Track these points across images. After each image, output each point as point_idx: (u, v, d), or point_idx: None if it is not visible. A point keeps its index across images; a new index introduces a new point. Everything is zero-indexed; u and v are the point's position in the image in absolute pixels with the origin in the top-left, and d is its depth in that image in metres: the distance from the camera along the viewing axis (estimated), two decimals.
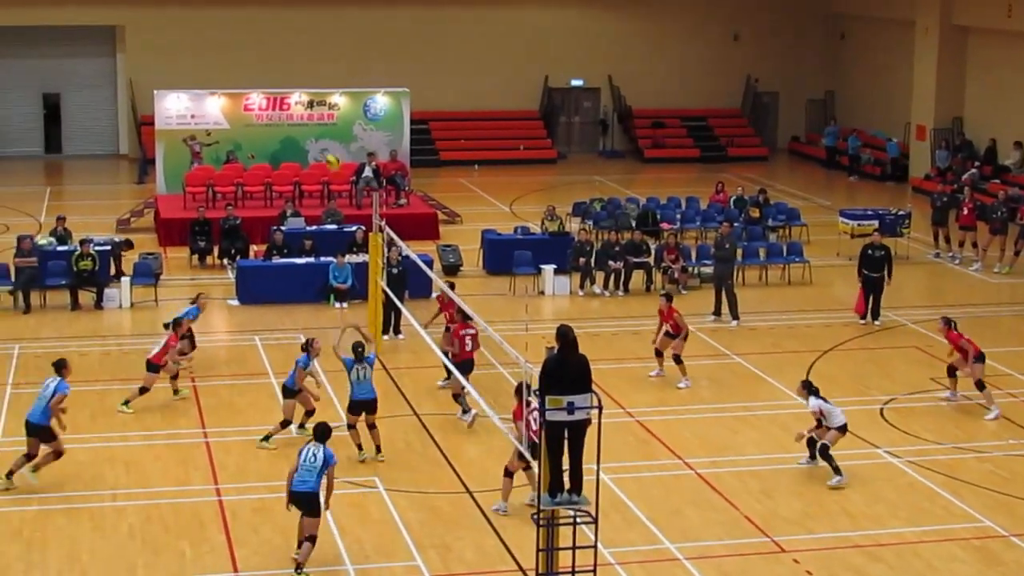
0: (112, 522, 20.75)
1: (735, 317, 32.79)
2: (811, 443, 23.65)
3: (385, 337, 30.38)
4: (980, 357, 26.72)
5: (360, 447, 23.48)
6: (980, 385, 26.63)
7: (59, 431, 22.42)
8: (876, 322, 32.83)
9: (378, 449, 23.51)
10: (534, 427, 19.43)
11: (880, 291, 33.11)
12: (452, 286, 27.41)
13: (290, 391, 24.37)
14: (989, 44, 51.83)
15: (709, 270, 35.04)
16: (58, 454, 22.43)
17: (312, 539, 19.22)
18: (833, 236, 41.04)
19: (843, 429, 23.38)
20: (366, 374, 23.35)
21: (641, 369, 28.94)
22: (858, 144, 56.94)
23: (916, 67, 54.68)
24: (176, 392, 26.79)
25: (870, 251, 33.30)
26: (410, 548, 19.92)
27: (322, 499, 19.56)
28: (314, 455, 19.48)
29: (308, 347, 24.41)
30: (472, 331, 25.71)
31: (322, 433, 19.80)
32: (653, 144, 61.02)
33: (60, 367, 22.95)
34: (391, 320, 31.03)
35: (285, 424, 24.32)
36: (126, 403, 26.09)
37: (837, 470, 23.06)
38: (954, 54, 53.21)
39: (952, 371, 27.16)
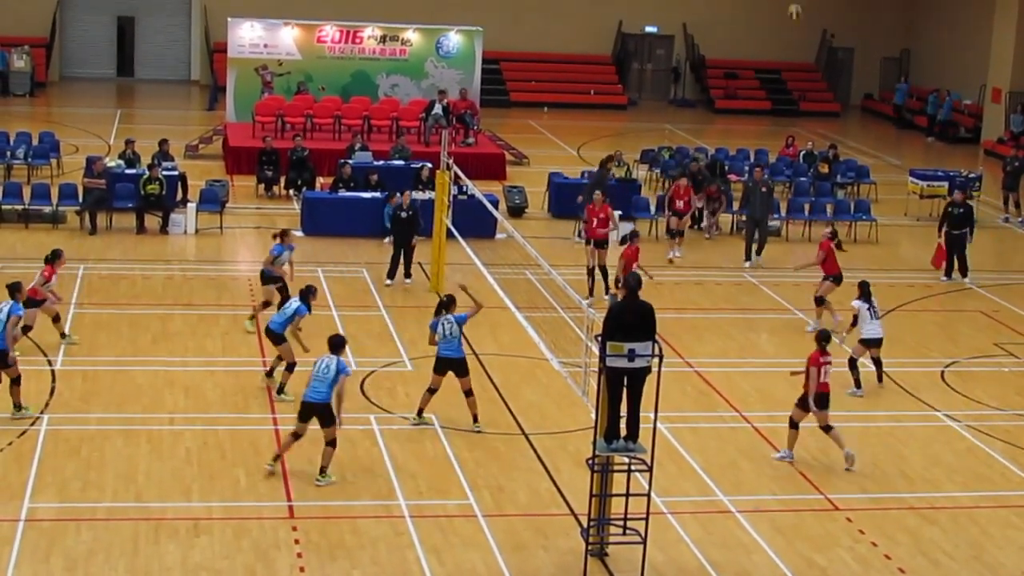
0: (169, 445, 20.85)
1: (758, 253, 33.46)
2: (852, 364, 24.59)
3: (387, 282, 29.94)
4: (834, 278, 28.26)
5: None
6: (819, 301, 28.28)
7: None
8: (966, 280, 32.62)
9: (475, 419, 22.09)
10: (823, 378, 21.03)
11: (963, 248, 32.93)
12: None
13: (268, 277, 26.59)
14: None
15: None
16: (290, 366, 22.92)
17: (332, 443, 19.77)
18: (902, 196, 40.73)
19: (869, 344, 24.65)
20: (452, 330, 21.73)
21: (703, 320, 28.85)
22: (938, 104, 56.44)
23: (995, 29, 54.10)
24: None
25: (951, 208, 33.19)
26: (464, 487, 19.92)
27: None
28: (327, 366, 19.70)
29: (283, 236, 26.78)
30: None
31: (336, 345, 20.03)
32: (725, 95, 60.76)
33: (306, 294, 23.06)
34: (397, 264, 30.09)
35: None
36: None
37: (857, 383, 24.51)
38: None
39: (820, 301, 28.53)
